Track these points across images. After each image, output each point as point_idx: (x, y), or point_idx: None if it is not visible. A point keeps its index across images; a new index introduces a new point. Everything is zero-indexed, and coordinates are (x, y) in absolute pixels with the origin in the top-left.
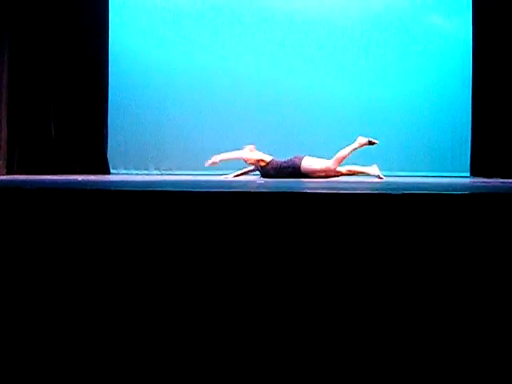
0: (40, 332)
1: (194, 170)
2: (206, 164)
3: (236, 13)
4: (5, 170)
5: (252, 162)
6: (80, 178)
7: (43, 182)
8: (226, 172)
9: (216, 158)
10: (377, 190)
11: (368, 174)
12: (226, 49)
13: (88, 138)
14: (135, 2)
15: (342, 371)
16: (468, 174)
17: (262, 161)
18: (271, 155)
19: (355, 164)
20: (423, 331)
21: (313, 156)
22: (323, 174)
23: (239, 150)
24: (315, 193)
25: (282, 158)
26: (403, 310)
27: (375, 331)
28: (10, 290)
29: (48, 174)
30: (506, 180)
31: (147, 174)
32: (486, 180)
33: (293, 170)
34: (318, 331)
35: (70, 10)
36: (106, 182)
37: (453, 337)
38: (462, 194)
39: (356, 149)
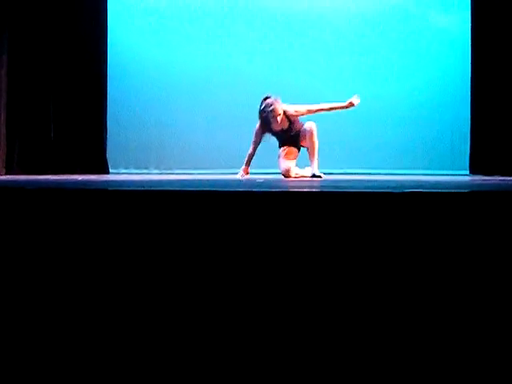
0: (40, 332)
1: (195, 169)
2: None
3: (235, 12)
4: (4, 171)
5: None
6: (80, 177)
7: (43, 181)
8: (227, 171)
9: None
10: (376, 188)
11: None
12: (226, 48)
13: (87, 137)
14: (134, 2)
15: (342, 371)
16: (467, 172)
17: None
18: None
19: None
20: (422, 329)
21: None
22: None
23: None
24: (315, 192)
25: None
26: (403, 309)
27: (375, 330)
28: (10, 290)
29: (47, 174)
30: (505, 178)
31: (147, 174)
32: (485, 178)
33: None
34: (316, 331)
35: (68, 11)
36: (105, 181)
37: (453, 334)
38: (461, 191)
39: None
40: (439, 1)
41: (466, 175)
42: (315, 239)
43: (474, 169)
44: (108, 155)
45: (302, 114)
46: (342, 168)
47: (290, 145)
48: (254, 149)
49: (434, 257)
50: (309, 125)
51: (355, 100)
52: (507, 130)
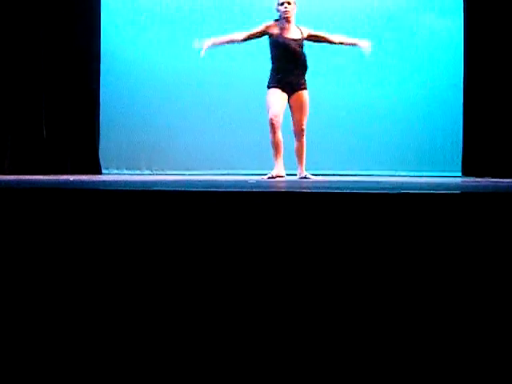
0: (33, 332)
1: (187, 169)
2: (202, 52)
3: (228, 13)
4: None
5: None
6: (72, 178)
7: (35, 182)
8: (219, 172)
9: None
10: (370, 189)
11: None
12: (218, 49)
13: (80, 138)
14: (127, 3)
15: (342, 371)
16: (460, 174)
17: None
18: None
19: None
20: (416, 330)
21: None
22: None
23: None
24: (309, 192)
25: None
26: (397, 309)
27: (371, 330)
28: (2, 290)
29: (40, 174)
30: (496, 179)
31: (139, 174)
32: (477, 179)
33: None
34: (315, 331)
35: (61, 11)
36: (97, 181)
37: (444, 336)
38: (453, 193)
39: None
40: (432, 5)
41: (459, 177)
42: (310, 240)
43: (466, 171)
44: (100, 156)
45: (316, 36)
46: (336, 169)
47: (285, 86)
48: (243, 38)
49: (427, 257)
50: (304, 123)
51: (367, 45)
52: (499, 132)
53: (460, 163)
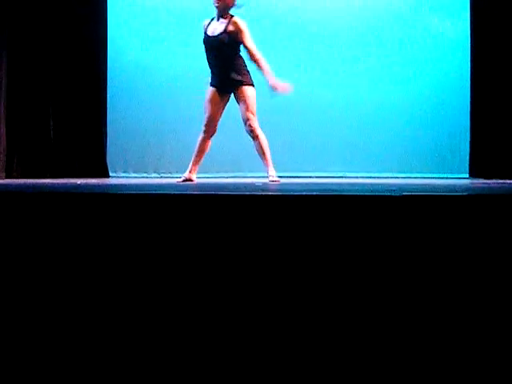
0: (39, 336)
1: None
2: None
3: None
4: (4, 174)
5: None
6: (79, 181)
7: (43, 185)
8: (226, 174)
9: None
10: (376, 191)
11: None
12: None
13: (87, 141)
14: (134, 5)
15: (342, 371)
16: (467, 176)
17: None
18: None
19: None
20: (422, 332)
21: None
22: None
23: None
24: (314, 195)
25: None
26: (403, 312)
27: (374, 333)
28: (11, 293)
29: (47, 178)
30: (504, 181)
31: (146, 177)
32: (485, 181)
33: None
34: (315, 334)
35: (69, 15)
36: (105, 185)
37: (451, 337)
38: (461, 195)
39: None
40: (439, 6)
41: (466, 178)
42: (315, 242)
43: (473, 172)
44: (107, 159)
45: (243, 41)
46: (342, 171)
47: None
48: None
49: (434, 260)
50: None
51: (283, 87)
52: (506, 133)
53: (467, 164)
